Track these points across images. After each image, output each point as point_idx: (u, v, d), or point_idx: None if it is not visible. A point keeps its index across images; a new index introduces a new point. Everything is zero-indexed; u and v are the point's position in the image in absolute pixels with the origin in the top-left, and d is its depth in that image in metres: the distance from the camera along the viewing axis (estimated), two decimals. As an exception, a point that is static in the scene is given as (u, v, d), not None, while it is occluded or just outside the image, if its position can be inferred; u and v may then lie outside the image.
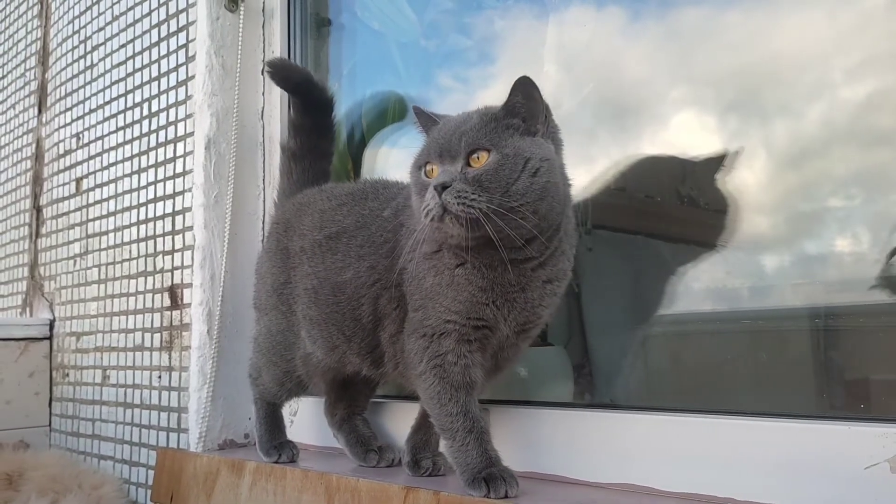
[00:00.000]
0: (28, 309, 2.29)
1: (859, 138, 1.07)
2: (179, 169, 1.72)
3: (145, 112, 1.85)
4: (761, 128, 1.16)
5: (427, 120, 1.08)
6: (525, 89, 0.97)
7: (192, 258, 1.63)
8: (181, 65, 1.75)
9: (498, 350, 1.07)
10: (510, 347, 1.07)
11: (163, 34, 1.82)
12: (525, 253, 0.98)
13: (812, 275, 1.12)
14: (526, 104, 0.98)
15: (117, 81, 1.97)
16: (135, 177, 1.87)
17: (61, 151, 2.21)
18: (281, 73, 1.48)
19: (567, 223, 1.03)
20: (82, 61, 2.14)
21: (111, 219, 1.95)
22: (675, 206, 1.29)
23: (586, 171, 1.33)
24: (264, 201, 1.72)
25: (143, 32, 1.88)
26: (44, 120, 2.32)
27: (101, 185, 2.01)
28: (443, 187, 0.93)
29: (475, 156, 0.95)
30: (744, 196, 1.17)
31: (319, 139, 1.48)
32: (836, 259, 1.08)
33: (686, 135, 1.26)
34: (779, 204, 1.15)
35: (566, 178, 1.04)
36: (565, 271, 1.04)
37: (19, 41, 2.52)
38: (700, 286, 1.24)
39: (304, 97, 1.45)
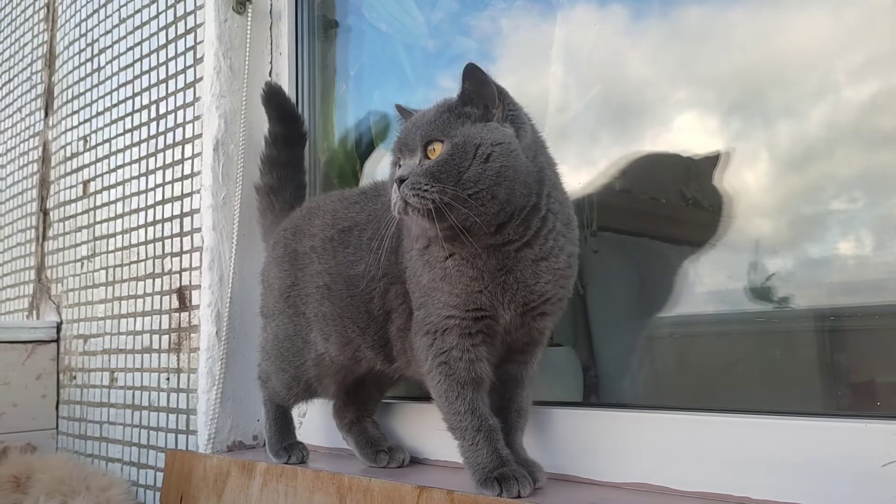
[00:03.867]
0: (35, 311, 2.29)
1: (863, 140, 1.06)
2: (188, 171, 1.73)
3: (153, 114, 1.86)
4: (764, 129, 1.16)
5: (407, 116, 1.09)
6: (473, 76, 0.98)
7: (201, 260, 1.64)
8: (189, 67, 1.75)
9: (505, 335, 1.05)
10: (519, 329, 1.05)
11: (171, 36, 1.82)
12: (502, 237, 0.98)
13: (815, 278, 1.12)
14: (476, 90, 0.99)
15: (125, 84, 1.98)
16: (143, 179, 1.87)
17: (68, 154, 2.21)
18: (277, 98, 1.54)
19: (552, 202, 1.02)
20: (89, 64, 2.15)
21: (119, 221, 1.95)
22: (679, 199, 1.28)
23: (588, 172, 1.33)
24: (272, 203, 1.72)
25: (151, 35, 1.89)
26: (50, 123, 2.33)
27: (108, 188, 2.01)
28: (401, 181, 0.94)
29: (431, 148, 0.97)
30: (747, 198, 1.16)
31: (296, 171, 1.55)
32: (840, 262, 1.08)
33: (689, 136, 1.25)
34: (782, 207, 1.15)
35: (548, 159, 1.04)
36: (561, 247, 1.02)
37: (25, 45, 2.52)
38: (703, 289, 1.24)
39: (289, 127, 1.53)
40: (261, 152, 1.57)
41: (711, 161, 1.19)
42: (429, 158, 0.96)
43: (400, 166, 1.01)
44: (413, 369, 1.13)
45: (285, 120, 1.54)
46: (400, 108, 1.12)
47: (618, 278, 1.36)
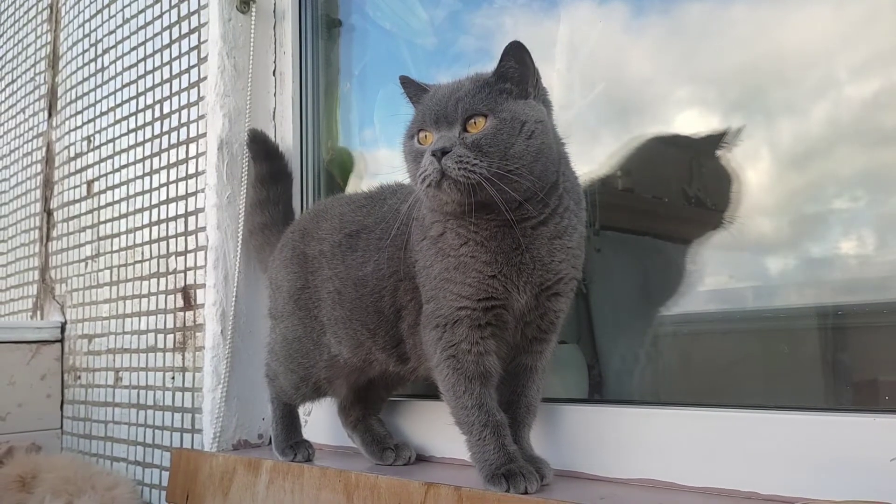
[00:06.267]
0: (39, 312, 2.29)
1: (864, 138, 1.06)
2: (192, 170, 1.73)
3: (157, 114, 1.86)
4: (765, 127, 1.15)
5: (415, 89, 1.08)
6: (517, 54, 0.98)
7: (206, 259, 1.64)
8: (193, 66, 1.75)
9: (519, 322, 1.05)
10: (535, 312, 1.04)
11: (174, 36, 1.83)
12: (522, 213, 0.98)
13: (817, 278, 1.11)
14: (518, 68, 0.99)
15: (129, 84, 1.98)
16: (147, 178, 1.88)
17: (72, 154, 2.21)
18: (262, 138, 1.63)
19: (566, 181, 1.04)
20: (93, 64, 2.15)
21: (123, 221, 1.96)
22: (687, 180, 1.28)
23: (592, 170, 1.33)
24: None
25: (155, 35, 1.89)
26: (54, 123, 2.33)
27: (112, 188, 2.01)
28: (442, 152, 0.93)
29: (472, 121, 0.96)
30: (748, 197, 1.16)
31: (287, 207, 1.60)
32: (842, 262, 1.07)
33: (690, 134, 1.25)
34: (783, 205, 1.14)
35: (558, 138, 1.05)
36: (574, 227, 1.03)
37: (29, 45, 2.53)
38: (705, 289, 1.24)
39: (275, 165, 1.61)
40: (248, 198, 1.62)
41: (716, 139, 1.19)
42: (468, 132, 0.96)
43: (422, 138, 1.01)
44: (425, 367, 1.13)
45: (270, 158, 1.61)
46: (407, 80, 1.09)
47: (622, 275, 1.36)
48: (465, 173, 0.92)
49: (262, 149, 1.62)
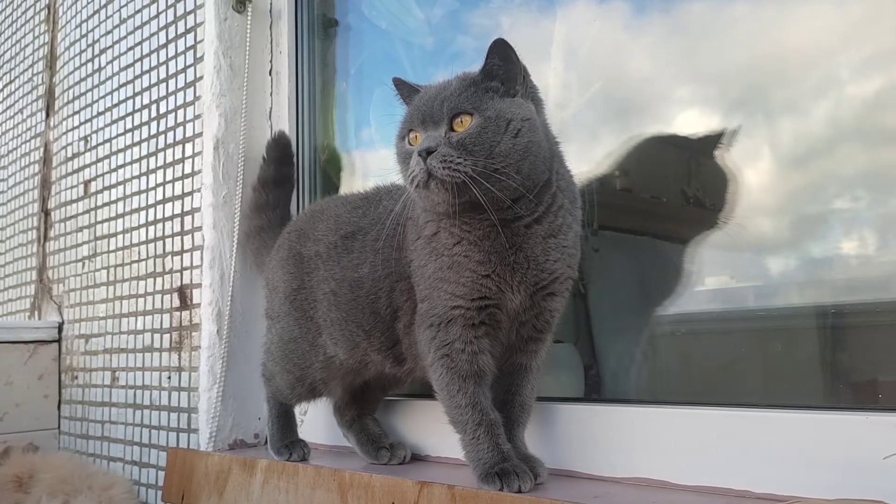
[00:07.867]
0: (36, 312, 2.29)
1: (866, 137, 1.06)
2: (188, 170, 1.73)
3: (153, 114, 1.86)
4: (766, 127, 1.15)
5: (408, 90, 1.08)
6: (501, 51, 0.98)
7: (202, 258, 1.64)
8: (189, 66, 1.75)
9: (514, 322, 1.05)
10: (530, 311, 1.04)
11: (171, 36, 1.82)
12: (514, 212, 0.98)
13: (818, 278, 1.11)
14: (503, 66, 0.99)
15: (125, 84, 1.98)
16: (143, 178, 1.88)
17: (69, 154, 2.21)
18: (284, 142, 1.63)
19: (560, 179, 1.03)
20: (90, 65, 2.15)
21: (120, 221, 1.95)
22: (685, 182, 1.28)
23: (589, 169, 1.33)
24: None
25: (151, 35, 1.89)
26: (52, 124, 2.33)
27: (109, 188, 2.01)
28: (427, 152, 0.93)
29: (458, 120, 0.96)
30: (749, 197, 1.16)
31: (285, 210, 1.61)
32: (843, 262, 1.07)
33: (690, 133, 1.25)
34: (784, 206, 1.14)
35: (551, 136, 1.04)
36: (569, 225, 1.03)
37: (26, 46, 2.53)
38: (706, 289, 1.23)
39: (284, 171, 1.62)
40: (248, 201, 1.62)
41: (713, 139, 1.19)
42: (454, 131, 0.96)
43: (412, 139, 1.01)
44: (422, 368, 1.13)
45: (283, 164, 1.61)
46: (400, 82, 1.10)
47: (620, 275, 1.36)
48: (449, 172, 0.92)
49: (280, 154, 1.61)
